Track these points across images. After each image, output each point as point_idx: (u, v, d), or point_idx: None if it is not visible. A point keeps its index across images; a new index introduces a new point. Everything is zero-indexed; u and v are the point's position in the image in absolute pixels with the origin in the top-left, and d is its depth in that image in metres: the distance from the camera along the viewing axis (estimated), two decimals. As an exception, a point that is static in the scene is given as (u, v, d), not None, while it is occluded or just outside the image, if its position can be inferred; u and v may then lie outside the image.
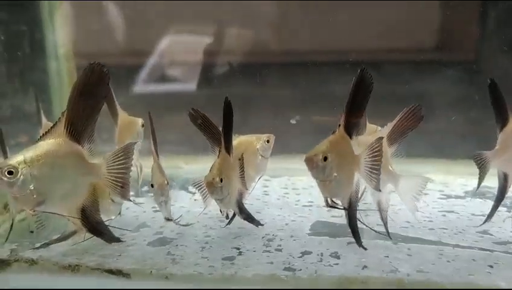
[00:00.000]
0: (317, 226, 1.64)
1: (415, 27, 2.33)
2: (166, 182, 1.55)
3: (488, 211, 1.62)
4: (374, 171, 1.36)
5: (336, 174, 1.35)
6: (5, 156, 1.64)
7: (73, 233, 1.47)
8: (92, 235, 1.44)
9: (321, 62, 2.37)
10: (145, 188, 1.92)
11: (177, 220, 1.63)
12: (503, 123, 1.53)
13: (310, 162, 1.34)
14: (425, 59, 2.30)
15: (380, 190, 1.40)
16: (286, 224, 1.65)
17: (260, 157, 1.67)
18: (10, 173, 1.25)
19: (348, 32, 2.35)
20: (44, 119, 1.81)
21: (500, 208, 1.67)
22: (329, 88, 2.38)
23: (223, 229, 1.61)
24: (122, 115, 1.77)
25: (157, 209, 1.80)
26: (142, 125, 1.76)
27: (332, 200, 1.42)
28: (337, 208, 1.43)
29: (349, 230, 1.43)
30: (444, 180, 2.07)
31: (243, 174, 1.50)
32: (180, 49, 2.47)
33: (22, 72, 2.37)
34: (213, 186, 1.39)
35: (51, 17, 2.38)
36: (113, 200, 1.53)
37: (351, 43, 2.37)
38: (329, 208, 1.46)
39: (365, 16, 2.32)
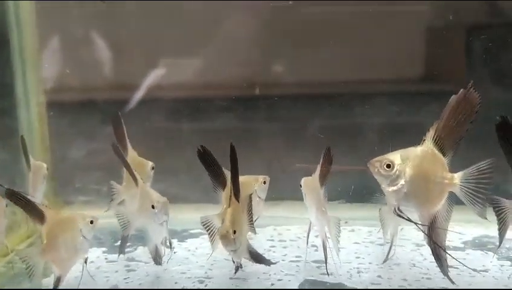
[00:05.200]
0: (305, 287, 1.49)
1: (402, 58, 2.26)
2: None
3: (490, 266, 1.50)
4: (479, 195, 1.28)
5: (403, 183, 1.30)
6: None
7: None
8: None
9: (306, 95, 2.30)
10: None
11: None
12: None
13: (372, 167, 1.32)
14: (412, 90, 2.25)
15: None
16: (272, 284, 1.51)
17: (258, 199, 1.61)
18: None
19: (334, 64, 2.27)
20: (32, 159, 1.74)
21: (503, 262, 1.56)
22: (314, 121, 2.28)
23: (203, 292, 1.46)
24: (132, 155, 1.71)
25: (132, 268, 1.66)
26: (152, 168, 1.72)
27: (399, 209, 1.34)
28: (404, 218, 1.35)
29: None
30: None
31: (252, 218, 1.44)
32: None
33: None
34: (227, 239, 1.35)
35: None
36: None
37: (336, 75, 2.29)
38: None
39: (351, 47, 2.25)
